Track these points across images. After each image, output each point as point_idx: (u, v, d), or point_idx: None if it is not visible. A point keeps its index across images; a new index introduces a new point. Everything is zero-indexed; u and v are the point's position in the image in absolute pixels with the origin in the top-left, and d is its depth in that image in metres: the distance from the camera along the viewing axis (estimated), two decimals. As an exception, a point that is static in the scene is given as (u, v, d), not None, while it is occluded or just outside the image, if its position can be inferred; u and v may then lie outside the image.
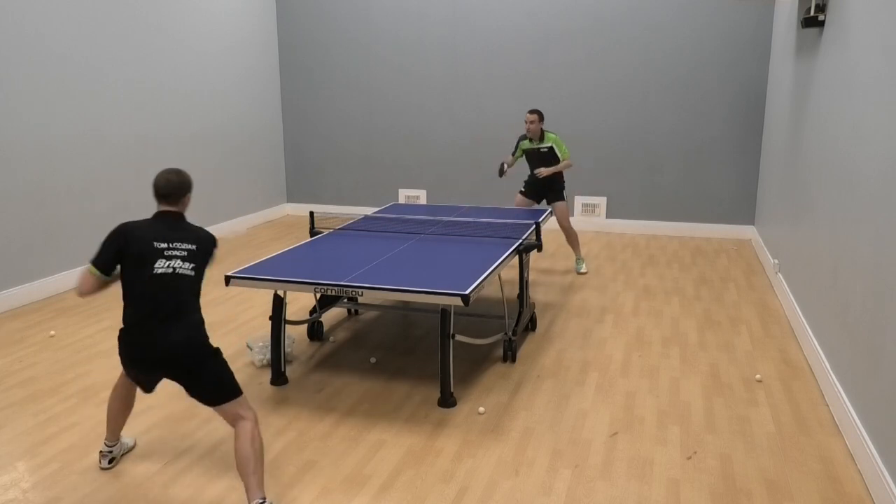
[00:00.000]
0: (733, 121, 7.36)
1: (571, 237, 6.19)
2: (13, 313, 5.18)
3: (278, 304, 3.91)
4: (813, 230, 4.35)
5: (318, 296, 4.56)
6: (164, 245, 2.79)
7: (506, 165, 6.08)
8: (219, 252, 2.93)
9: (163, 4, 6.70)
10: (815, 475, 3.00)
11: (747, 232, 7.51)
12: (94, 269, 2.81)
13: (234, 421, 2.78)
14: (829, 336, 3.80)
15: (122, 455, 3.19)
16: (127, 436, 3.31)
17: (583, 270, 6.21)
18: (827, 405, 3.63)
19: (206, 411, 3.59)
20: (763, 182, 6.96)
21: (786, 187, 5.49)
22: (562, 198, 6.12)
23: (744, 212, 7.51)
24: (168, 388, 3.87)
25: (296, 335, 4.55)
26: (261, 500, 2.65)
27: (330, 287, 3.52)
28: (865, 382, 3.08)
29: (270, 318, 3.92)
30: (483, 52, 7.96)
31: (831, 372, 3.67)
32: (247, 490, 2.68)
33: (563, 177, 6.13)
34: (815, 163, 4.45)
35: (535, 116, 5.95)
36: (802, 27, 4.79)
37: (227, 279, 3.68)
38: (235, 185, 8.02)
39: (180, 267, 2.77)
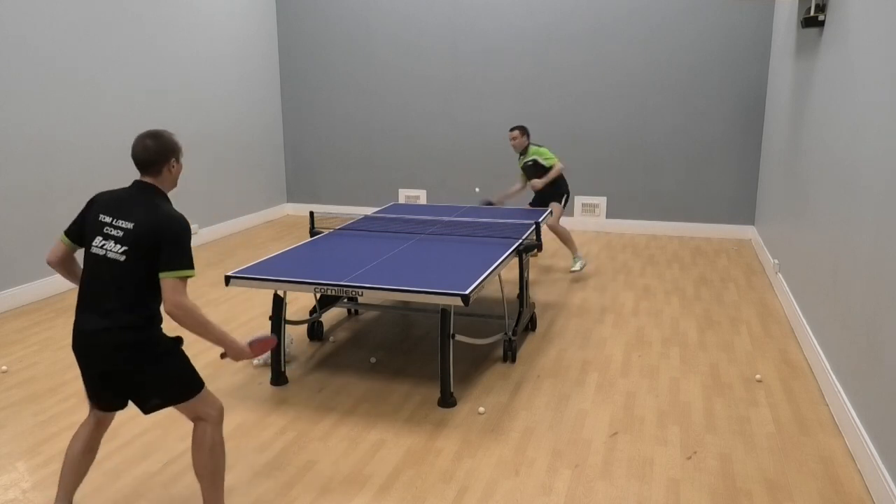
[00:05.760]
0: (733, 121, 7.36)
1: (563, 237, 6.07)
2: (13, 313, 5.18)
3: (278, 304, 3.91)
4: (813, 230, 4.35)
5: (318, 296, 4.56)
6: (109, 219, 2.38)
7: (493, 200, 6.15)
8: (183, 240, 2.35)
9: (164, 7, 6.70)
10: (815, 475, 3.00)
11: (747, 232, 7.51)
12: (63, 235, 2.52)
13: (193, 420, 2.47)
14: (829, 336, 3.80)
15: None
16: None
17: (575, 268, 6.10)
18: (827, 405, 3.63)
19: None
20: (763, 182, 6.96)
21: (786, 187, 5.49)
22: (557, 199, 6.04)
23: (744, 212, 7.51)
24: (168, 388, 3.87)
25: (296, 335, 4.55)
26: None
27: (330, 287, 3.52)
28: (865, 382, 3.08)
29: (270, 318, 3.92)
30: (483, 52, 7.96)
31: (831, 372, 3.67)
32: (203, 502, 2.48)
33: (561, 182, 6.06)
34: (815, 163, 4.45)
35: (515, 132, 5.98)
36: (802, 27, 4.79)
37: (227, 279, 3.68)
38: (235, 185, 8.02)
39: (111, 250, 2.33)
